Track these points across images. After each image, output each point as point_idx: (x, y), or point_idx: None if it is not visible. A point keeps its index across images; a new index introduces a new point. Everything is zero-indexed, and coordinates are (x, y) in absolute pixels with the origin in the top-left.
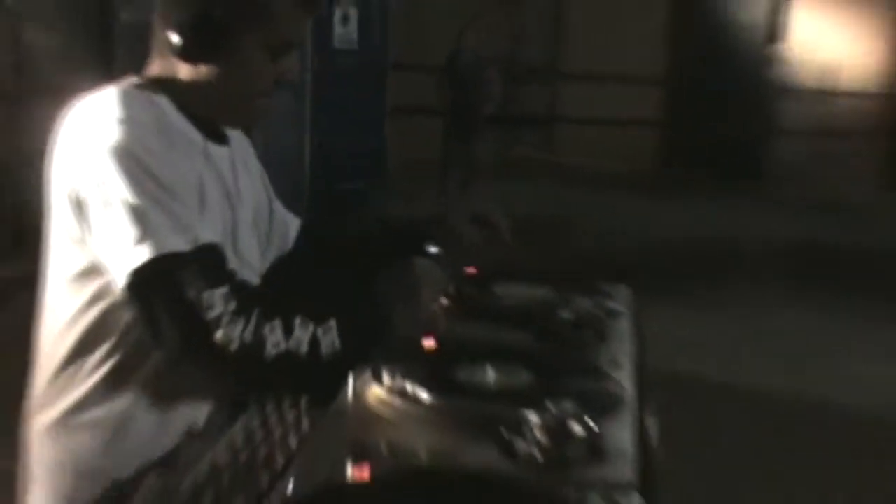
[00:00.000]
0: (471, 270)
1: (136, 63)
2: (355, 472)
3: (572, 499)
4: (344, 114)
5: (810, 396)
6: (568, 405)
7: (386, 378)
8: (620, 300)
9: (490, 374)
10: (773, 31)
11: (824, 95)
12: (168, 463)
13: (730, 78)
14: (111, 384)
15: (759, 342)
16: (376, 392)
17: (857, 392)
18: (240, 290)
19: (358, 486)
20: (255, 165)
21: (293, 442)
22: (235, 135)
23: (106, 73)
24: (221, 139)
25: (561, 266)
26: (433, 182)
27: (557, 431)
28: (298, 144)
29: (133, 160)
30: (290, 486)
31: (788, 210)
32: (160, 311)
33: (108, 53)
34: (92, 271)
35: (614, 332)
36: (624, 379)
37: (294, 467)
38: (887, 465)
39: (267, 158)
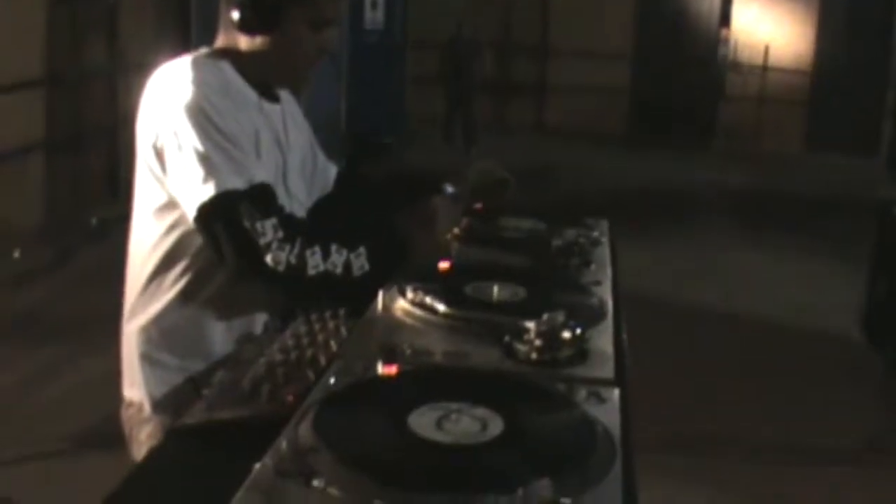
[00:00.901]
0: (478, 206)
1: (207, 38)
2: (385, 369)
3: (563, 392)
4: (372, 81)
5: (742, 313)
6: (559, 315)
7: (409, 293)
8: (600, 231)
9: (494, 291)
10: (721, 17)
11: (761, 70)
12: (232, 362)
13: (686, 54)
14: (185, 297)
15: (707, 268)
16: (401, 304)
17: (781, 310)
18: (287, 221)
19: (387, 380)
20: (302, 121)
21: (333, 345)
22: (286, 96)
23: (183, 48)
24: (274, 98)
25: (550, 205)
26: (443, 136)
27: (550, 337)
28: (336, 105)
29: (201, 115)
30: (332, 380)
31: (731, 161)
32: (222, 237)
33: (185, 32)
34: (169, 205)
35: (596, 257)
36: (604, 295)
37: (334, 365)
38: (797, 365)
39: (311, 116)
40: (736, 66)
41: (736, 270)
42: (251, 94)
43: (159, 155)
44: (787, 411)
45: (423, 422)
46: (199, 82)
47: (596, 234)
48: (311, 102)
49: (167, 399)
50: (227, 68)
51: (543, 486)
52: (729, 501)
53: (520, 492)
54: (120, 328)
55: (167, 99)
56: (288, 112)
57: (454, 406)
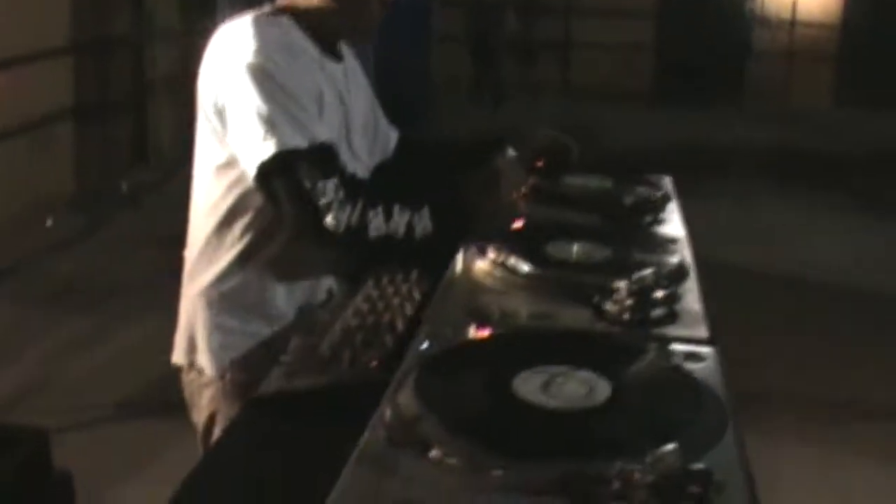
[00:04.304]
0: (540, 164)
1: (233, 5)
2: (479, 333)
3: (663, 352)
4: (399, 41)
5: (782, 270)
6: (650, 274)
7: (491, 252)
8: (666, 188)
9: (575, 249)
10: None
11: (788, 25)
12: (306, 327)
13: (713, 9)
14: (246, 256)
15: (742, 226)
16: (482, 265)
17: (819, 267)
18: (349, 182)
19: (484, 344)
20: (364, 82)
21: (409, 308)
22: (348, 55)
23: (209, 15)
24: (337, 57)
25: (583, 166)
26: (470, 96)
27: (642, 296)
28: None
29: (263, 73)
30: (425, 345)
31: (760, 118)
32: (282, 196)
33: None
34: (230, 163)
35: (668, 215)
36: (683, 252)
37: (423, 330)
38: (833, 317)
39: None
40: (763, 20)
41: (772, 228)
42: (313, 51)
43: (220, 114)
44: (832, 369)
45: (528, 387)
46: (261, 40)
47: (664, 190)
48: None
49: (233, 364)
50: (288, 25)
51: (671, 452)
52: (785, 459)
53: (649, 458)
54: (156, 293)
55: (228, 57)
56: (351, 71)
57: (556, 370)
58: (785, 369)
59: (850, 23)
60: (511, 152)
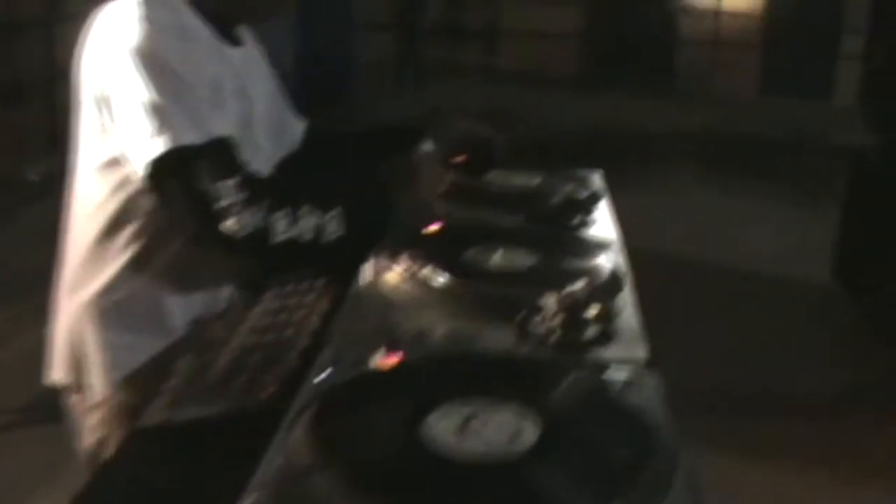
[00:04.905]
0: (460, 159)
1: None
2: (388, 359)
3: (591, 378)
4: (321, 28)
5: (710, 260)
6: (582, 287)
7: (401, 262)
8: (596, 185)
9: (497, 256)
10: None
11: (713, 14)
12: (197, 344)
13: None
14: (137, 265)
15: (672, 215)
16: (392, 276)
17: (749, 256)
18: (251, 181)
19: (394, 375)
20: (266, 69)
21: (314, 321)
22: (249, 40)
23: None
24: (235, 41)
25: (510, 152)
26: (395, 79)
27: (574, 313)
28: (284, 51)
29: (152, 59)
30: (324, 374)
31: (687, 105)
32: (175, 199)
33: None
34: (116, 161)
35: (599, 214)
36: (617, 258)
37: (323, 354)
38: (762, 309)
39: None
40: (690, 9)
41: (701, 216)
42: (209, 35)
43: (105, 105)
44: (761, 361)
45: (442, 431)
46: (149, 22)
47: (593, 188)
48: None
49: (123, 383)
50: (180, 6)
51: None
52: (709, 453)
53: None
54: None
55: (113, 41)
56: (251, 57)
57: (475, 406)
58: (715, 364)
59: (774, 13)
60: (429, 145)
